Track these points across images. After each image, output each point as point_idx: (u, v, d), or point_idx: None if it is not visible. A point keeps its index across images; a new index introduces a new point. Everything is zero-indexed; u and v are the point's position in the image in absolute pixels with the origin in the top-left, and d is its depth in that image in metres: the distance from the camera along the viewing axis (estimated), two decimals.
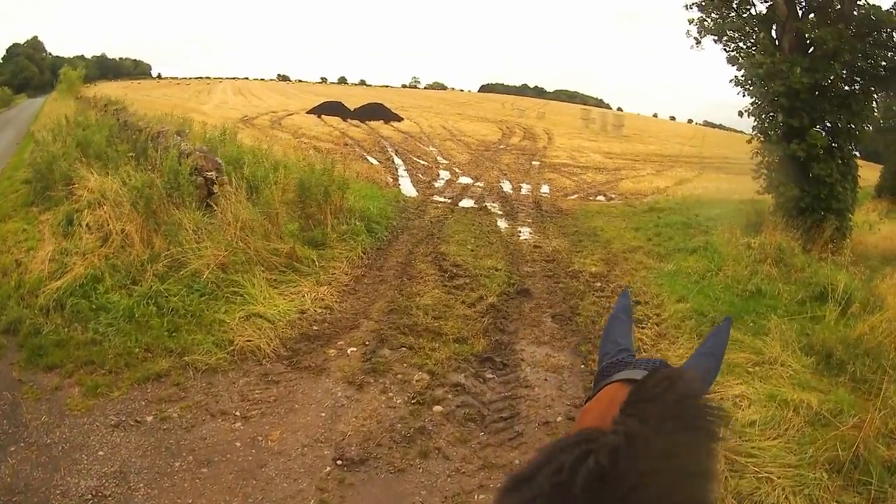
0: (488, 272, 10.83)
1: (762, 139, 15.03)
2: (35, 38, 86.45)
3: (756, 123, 15.24)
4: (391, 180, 20.41)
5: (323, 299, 9.17)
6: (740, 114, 15.35)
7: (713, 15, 15.66)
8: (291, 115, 46.52)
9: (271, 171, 11.81)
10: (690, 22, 16.17)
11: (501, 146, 35.50)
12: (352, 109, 46.81)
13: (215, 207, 10.34)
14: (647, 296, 10.27)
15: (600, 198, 21.33)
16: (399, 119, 45.51)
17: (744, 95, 15.19)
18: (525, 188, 21.54)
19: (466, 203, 17.59)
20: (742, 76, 15.19)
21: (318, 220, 11.53)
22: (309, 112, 47.47)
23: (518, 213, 16.80)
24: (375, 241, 12.25)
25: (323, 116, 44.76)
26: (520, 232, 14.57)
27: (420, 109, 60.80)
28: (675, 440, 0.95)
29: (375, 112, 45.97)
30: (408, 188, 19.36)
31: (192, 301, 8.35)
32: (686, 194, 21.30)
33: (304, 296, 9.10)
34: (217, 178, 11.06)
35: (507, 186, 21.43)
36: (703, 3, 15.67)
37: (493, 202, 17.98)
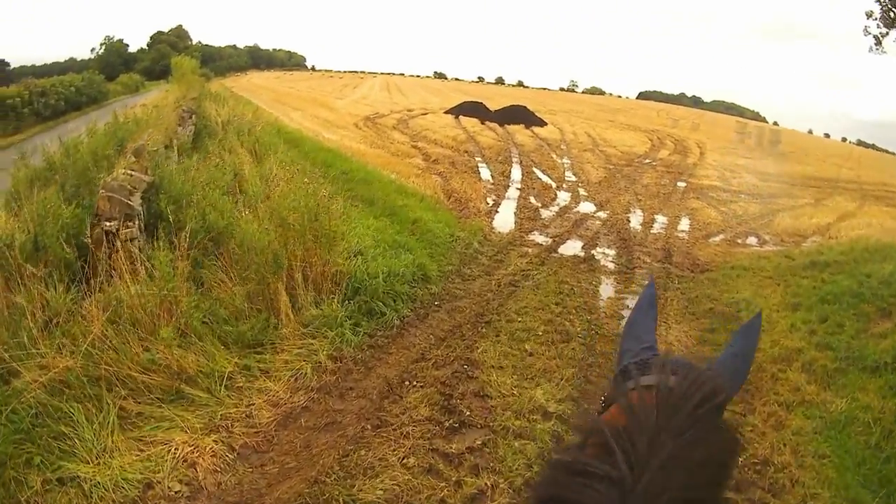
0: (527, 421, 6.12)
1: None
2: (179, 26, 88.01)
3: None
4: (488, 204, 16.33)
5: (195, 463, 5.14)
6: None
7: None
8: (427, 114, 43.59)
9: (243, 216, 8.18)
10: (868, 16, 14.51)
11: (646, 160, 30.44)
12: (492, 111, 43.00)
13: (100, 278, 6.39)
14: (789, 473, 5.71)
15: (751, 240, 16.20)
16: (542, 124, 41.27)
17: None
18: (659, 222, 16.78)
19: (571, 247, 13.15)
20: None
21: (270, 300, 7.44)
22: (447, 112, 44.17)
23: (636, 267, 12.17)
24: (373, 331, 7.89)
25: (460, 117, 41.26)
26: (626, 307, 9.84)
27: (569, 114, 56.04)
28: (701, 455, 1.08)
29: (517, 115, 41.90)
30: (504, 219, 15.12)
31: None
32: (852, 236, 15.71)
33: (169, 452, 5.13)
34: (121, 230, 6.98)
35: (636, 219, 16.77)
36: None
37: (609, 247, 13.47)
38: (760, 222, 18.56)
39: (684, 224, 17.03)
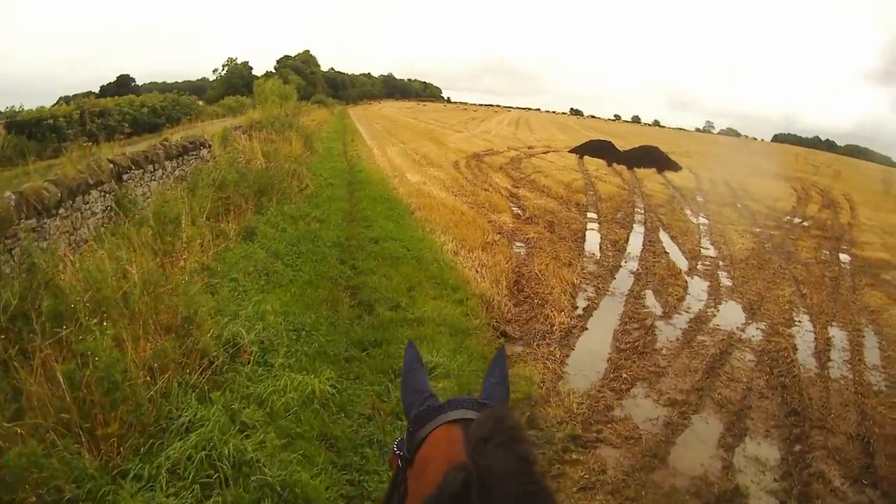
0: None
1: None
2: (307, 51, 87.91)
3: None
4: (575, 311, 10.29)
5: None
6: None
7: None
8: (549, 152, 38.68)
9: None
10: None
11: (796, 219, 23.44)
12: (621, 151, 37.35)
13: None
14: None
15: None
16: (675, 168, 34.99)
17: None
18: (838, 346, 10.19)
19: (698, 442, 6.85)
20: None
21: None
22: (571, 150, 39.16)
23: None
24: None
25: (585, 157, 36.08)
26: None
27: (705, 157, 49.05)
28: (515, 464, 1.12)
29: (647, 157, 35.94)
30: (590, 349, 8.93)
31: None
32: None
33: None
34: None
35: (804, 343, 10.19)
36: None
37: (767, 436, 7.09)
38: None
39: (873, 351, 10.32)
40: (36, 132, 27.22)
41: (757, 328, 10.59)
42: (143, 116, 37.28)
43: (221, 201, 11.48)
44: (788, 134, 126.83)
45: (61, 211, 7.96)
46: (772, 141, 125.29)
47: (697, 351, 9.21)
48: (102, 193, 9.27)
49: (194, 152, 13.66)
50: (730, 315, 11.11)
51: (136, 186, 10.50)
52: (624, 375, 8.06)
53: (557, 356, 8.32)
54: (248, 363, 6.27)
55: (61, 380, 4.64)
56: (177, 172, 12.43)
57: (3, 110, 28.91)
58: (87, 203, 8.84)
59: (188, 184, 11.63)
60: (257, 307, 7.53)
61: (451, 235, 13.56)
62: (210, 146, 14.78)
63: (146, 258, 7.08)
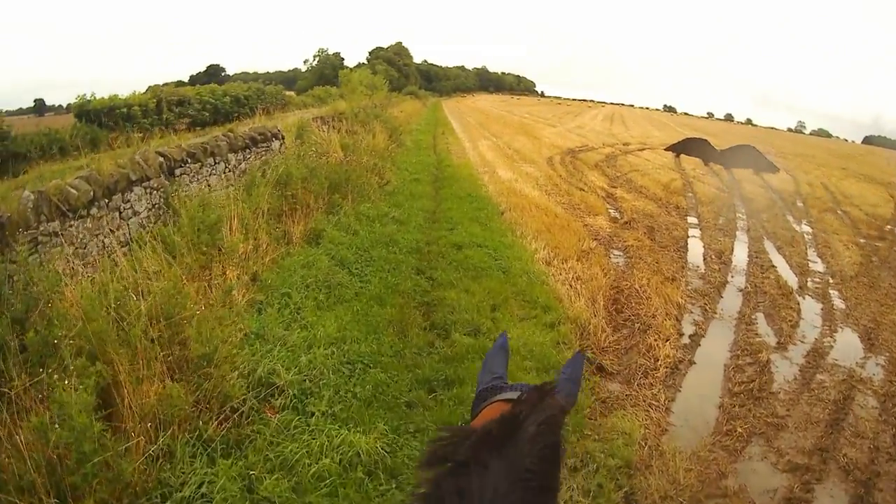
0: None
1: None
2: (399, 43, 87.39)
3: None
4: (680, 339, 8.72)
5: None
6: None
7: None
8: (644, 149, 36.85)
9: None
10: None
11: None
12: (718, 150, 35.08)
13: None
14: None
15: None
16: (773, 169, 32.57)
17: None
18: None
19: (829, 499, 5.53)
20: None
21: None
22: (667, 149, 37.21)
23: None
24: None
25: (681, 156, 34.40)
26: None
27: (800, 158, 45.74)
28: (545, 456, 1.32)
29: (745, 157, 33.53)
30: (697, 391, 7.34)
31: None
32: None
33: None
34: None
35: None
36: None
37: None
38: None
39: None
40: (108, 121, 26.85)
41: (877, 364, 8.78)
42: (224, 106, 36.62)
43: (286, 200, 10.38)
44: (879, 136, 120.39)
45: (93, 211, 6.98)
46: (862, 143, 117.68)
47: (818, 395, 7.51)
48: (148, 190, 8.28)
49: (264, 144, 12.60)
50: (847, 346, 9.33)
51: (190, 182, 9.52)
52: (738, 430, 6.52)
53: (662, 401, 6.82)
54: (282, 410, 5.08)
55: (21, 439, 3.57)
56: (242, 166, 11.42)
57: (73, 101, 28.49)
58: (129, 202, 7.87)
59: (245, 181, 10.52)
60: (307, 333, 6.35)
61: (544, 241, 12.16)
62: (283, 138, 13.74)
63: (172, 273, 5.93)
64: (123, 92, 29.91)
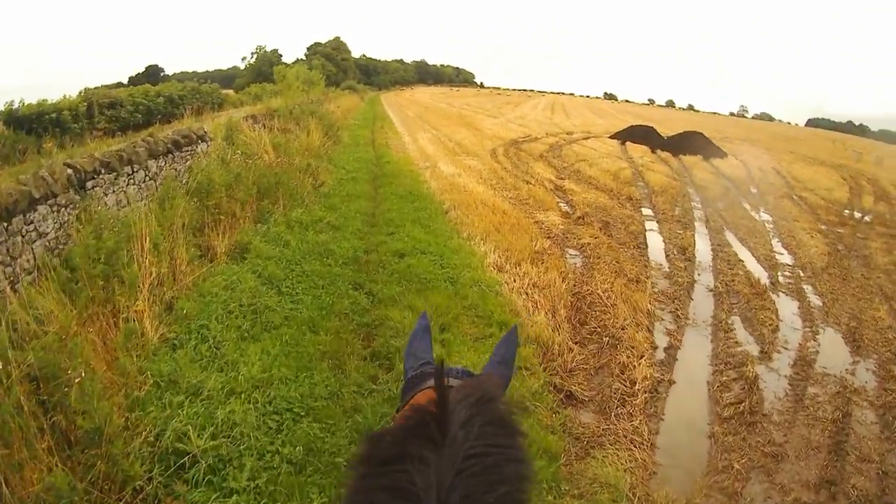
0: None
1: None
2: (337, 38, 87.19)
3: None
4: (654, 352, 7.87)
5: None
6: None
7: None
8: (589, 138, 36.51)
9: None
10: None
11: (856, 213, 20.60)
12: (664, 138, 34.99)
13: None
14: None
15: None
16: (721, 155, 32.60)
17: None
18: None
19: None
20: None
21: None
22: (613, 136, 37.12)
23: None
24: None
25: (627, 143, 34.15)
26: None
27: (746, 143, 45.88)
28: (485, 433, 1.17)
29: (692, 143, 33.40)
30: (681, 422, 6.48)
31: None
32: None
33: None
34: None
35: None
36: None
37: None
38: None
39: None
40: (37, 127, 25.28)
41: (867, 369, 8.18)
42: (158, 107, 35.04)
43: (208, 210, 9.19)
44: (821, 119, 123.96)
45: None
46: (805, 125, 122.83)
47: (813, 413, 6.78)
48: (55, 208, 7.06)
49: (189, 148, 11.35)
50: (832, 350, 8.69)
51: (104, 195, 8.28)
52: (735, 465, 5.68)
53: (645, 435, 5.92)
54: (194, 487, 4.01)
55: None
56: (164, 173, 10.17)
57: (1, 108, 26.65)
58: (32, 223, 6.65)
59: (159, 193, 9.22)
60: (226, 376, 5.26)
61: (494, 243, 11.25)
62: (210, 140, 12.49)
63: (63, 316, 4.79)
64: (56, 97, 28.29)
